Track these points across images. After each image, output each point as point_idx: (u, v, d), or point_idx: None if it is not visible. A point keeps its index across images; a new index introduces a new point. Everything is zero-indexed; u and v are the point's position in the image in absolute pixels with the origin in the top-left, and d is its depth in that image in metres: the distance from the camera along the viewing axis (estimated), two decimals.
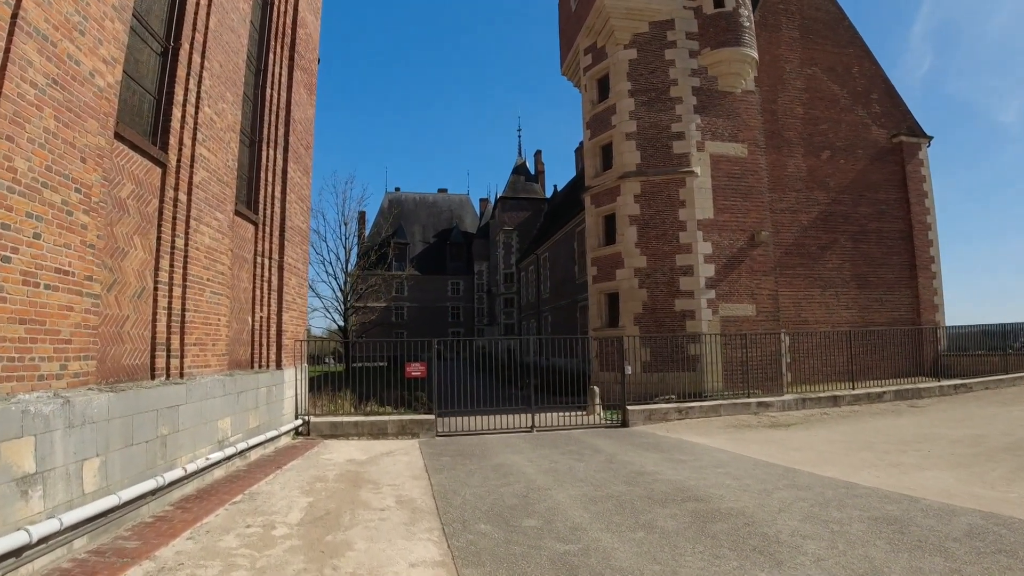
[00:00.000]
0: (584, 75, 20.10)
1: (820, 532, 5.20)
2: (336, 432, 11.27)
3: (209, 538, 5.32)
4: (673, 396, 15.27)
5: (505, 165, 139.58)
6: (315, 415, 11.75)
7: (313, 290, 43.59)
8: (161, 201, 7.07)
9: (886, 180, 21.90)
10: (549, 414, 13.17)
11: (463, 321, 62.54)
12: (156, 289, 6.86)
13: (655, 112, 17.93)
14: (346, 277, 31.20)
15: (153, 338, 6.79)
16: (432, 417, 11.94)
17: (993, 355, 19.35)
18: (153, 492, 6.17)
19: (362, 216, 56.17)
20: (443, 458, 9.28)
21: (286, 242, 10.90)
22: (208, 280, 7.85)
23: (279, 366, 10.54)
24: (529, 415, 12.68)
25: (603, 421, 13.52)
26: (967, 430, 10.39)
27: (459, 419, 12.58)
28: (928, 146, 23.00)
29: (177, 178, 7.31)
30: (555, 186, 55.46)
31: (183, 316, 7.20)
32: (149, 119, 7.17)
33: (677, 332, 16.60)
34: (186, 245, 7.34)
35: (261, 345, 10.03)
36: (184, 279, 7.26)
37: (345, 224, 32.11)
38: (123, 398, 5.78)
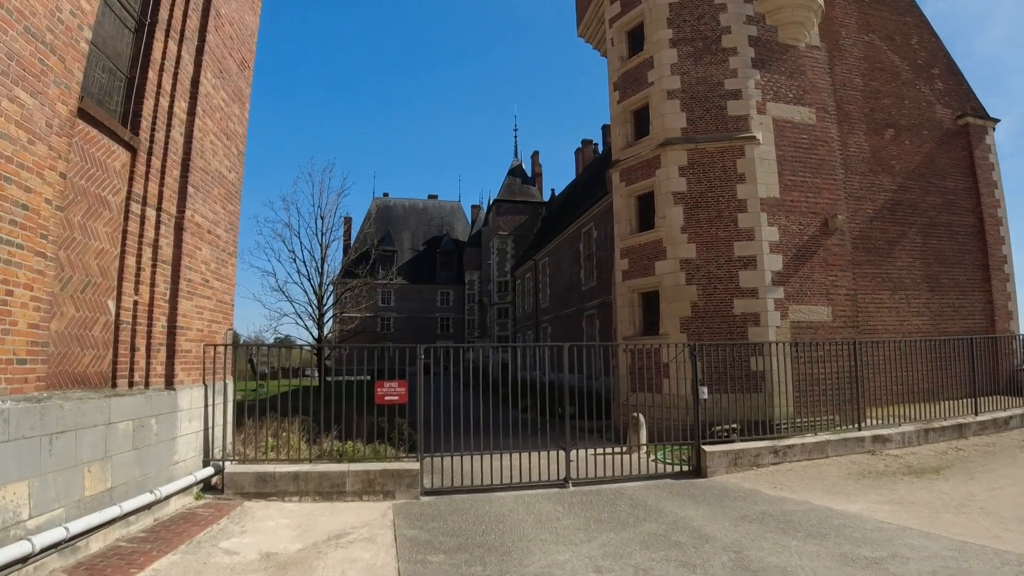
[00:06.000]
0: (610, 28, 16.45)
1: None
2: (265, 489, 7.06)
3: None
4: (736, 426, 11.44)
5: (498, 172, 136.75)
6: (235, 461, 7.54)
7: (284, 292, 39.24)
8: None
9: (953, 166, 18.43)
10: (580, 452, 9.16)
11: (453, 333, 58.51)
12: None
13: (704, 66, 14.27)
14: (321, 279, 27.00)
15: None
16: (415, 466, 7.81)
17: None
18: None
19: (348, 222, 52.03)
20: (433, 557, 5.21)
21: (191, 188, 6.94)
22: None
23: (170, 383, 6.50)
24: (558, 456, 8.71)
25: (664, 467, 9.57)
26: None
27: (454, 461, 8.42)
28: (994, 130, 19.73)
29: None
30: (552, 190, 51.77)
31: None
32: None
33: (737, 341, 12.78)
34: None
35: (134, 349, 6.03)
36: None
37: (322, 218, 27.86)
38: None
